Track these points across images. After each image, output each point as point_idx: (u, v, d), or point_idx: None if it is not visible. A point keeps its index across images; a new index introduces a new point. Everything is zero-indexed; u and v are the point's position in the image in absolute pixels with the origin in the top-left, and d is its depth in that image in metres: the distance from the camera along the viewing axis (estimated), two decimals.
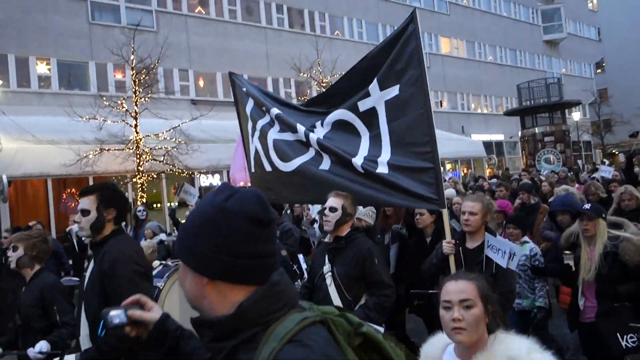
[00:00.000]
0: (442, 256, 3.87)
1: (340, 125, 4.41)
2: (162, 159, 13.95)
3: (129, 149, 13.75)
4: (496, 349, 1.91)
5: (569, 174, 13.65)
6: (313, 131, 4.51)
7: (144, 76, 14.04)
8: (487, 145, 29.19)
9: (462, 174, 24.36)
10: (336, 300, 3.61)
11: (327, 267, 3.76)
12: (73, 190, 13.89)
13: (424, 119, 3.87)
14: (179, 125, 13.98)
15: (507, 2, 35.40)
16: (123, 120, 13.62)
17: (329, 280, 3.71)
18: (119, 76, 18.40)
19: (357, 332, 1.19)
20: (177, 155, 13.98)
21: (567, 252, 4.18)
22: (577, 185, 10.28)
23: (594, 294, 3.97)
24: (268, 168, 4.84)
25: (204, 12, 21.06)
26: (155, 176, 14.11)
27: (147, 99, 14.15)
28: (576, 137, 29.17)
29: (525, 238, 5.21)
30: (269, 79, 22.49)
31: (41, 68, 16.91)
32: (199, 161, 15.12)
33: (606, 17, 44.99)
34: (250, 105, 5.11)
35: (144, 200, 13.48)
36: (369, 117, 4.19)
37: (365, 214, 5.86)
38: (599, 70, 44.83)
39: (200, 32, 20.43)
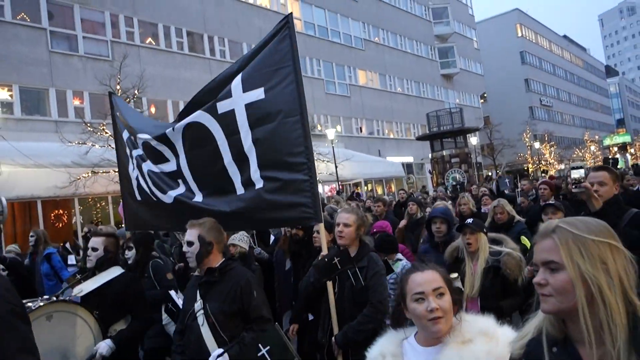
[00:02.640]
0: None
1: (194, 134, 4.04)
2: None
3: (115, 171, 14.75)
4: (465, 327, 1.90)
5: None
6: (179, 157, 4.23)
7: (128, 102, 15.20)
8: None
9: (388, 191, 27.43)
10: (210, 341, 3.15)
11: (198, 304, 3.27)
12: (60, 211, 14.54)
13: (298, 127, 3.57)
14: None
15: (411, 41, 39.97)
16: (109, 145, 14.65)
17: (200, 319, 3.22)
18: (76, 102, 19.05)
19: None
20: None
21: (454, 275, 4.08)
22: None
23: (477, 309, 3.90)
24: (153, 200, 4.53)
25: (154, 43, 22.24)
26: None
27: None
28: (474, 159, 33.71)
29: (399, 256, 5.11)
30: None
31: (3, 94, 17.20)
32: None
33: (485, 55, 51.76)
34: (126, 134, 4.80)
35: None
36: (227, 120, 3.81)
37: (240, 239, 5.47)
38: (482, 101, 51.23)
39: (151, 61, 21.58)
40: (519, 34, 59.01)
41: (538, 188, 8.01)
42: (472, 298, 3.92)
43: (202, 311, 3.23)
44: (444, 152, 29.85)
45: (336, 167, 21.85)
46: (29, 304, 3.44)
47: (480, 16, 54.37)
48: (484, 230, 4.09)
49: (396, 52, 38.07)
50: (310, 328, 4.62)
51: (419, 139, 32.45)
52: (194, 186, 4.17)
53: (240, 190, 3.85)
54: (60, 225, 14.47)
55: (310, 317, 4.66)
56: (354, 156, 23.54)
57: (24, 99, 17.62)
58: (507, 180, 15.76)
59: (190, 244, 3.29)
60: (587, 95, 79.40)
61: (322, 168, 21.10)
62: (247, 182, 3.80)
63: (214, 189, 4.03)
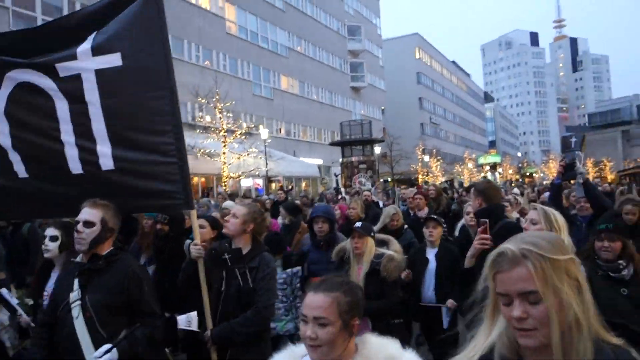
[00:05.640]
0: (190, 260, 3.44)
1: (24, 97, 3.27)
2: None
3: None
4: (370, 350, 1.77)
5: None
6: None
7: None
8: None
9: (303, 190, 30.61)
10: (84, 337, 2.79)
11: (75, 294, 2.88)
12: None
13: (166, 103, 3.17)
14: None
15: (328, 53, 43.73)
16: None
17: (76, 311, 2.84)
18: None
19: None
20: None
21: None
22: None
23: None
24: None
25: None
26: None
27: None
28: (377, 166, 38.09)
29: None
30: None
31: None
32: None
33: (387, 72, 57.00)
34: None
35: None
36: (71, 85, 3.18)
37: None
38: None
39: None
40: (417, 56, 65.27)
41: (413, 198, 8.01)
42: None
43: (78, 302, 2.86)
44: (353, 158, 33.77)
45: (267, 163, 24.53)
46: None
47: (385, 35, 59.98)
48: (372, 234, 4.17)
49: (314, 63, 41.54)
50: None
51: (333, 144, 36.08)
52: (15, 159, 3.36)
53: (76, 169, 3.27)
54: None
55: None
56: (285, 157, 26.38)
57: None
58: (389, 190, 16.25)
59: (89, 224, 2.92)
60: (467, 117, 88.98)
61: (252, 164, 23.71)
62: (89, 161, 3.24)
63: (43, 166, 3.35)
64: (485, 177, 24.29)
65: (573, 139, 5.37)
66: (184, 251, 4.69)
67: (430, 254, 4.79)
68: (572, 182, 6.11)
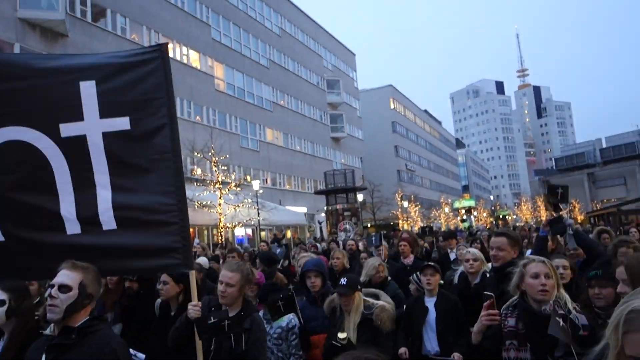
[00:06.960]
0: (186, 321, 3.29)
1: (13, 154, 3.13)
2: None
3: None
4: None
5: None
6: None
7: None
8: None
9: (293, 237, 31.66)
10: None
11: None
12: None
13: (169, 166, 3.24)
14: None
15: (309, 106, 45.94)
16: None
17: None
18: None
19: None
20: None
21: (343, 335, 3.74)
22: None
23: None
24: None
25: None
26: None
27: None
28: (360, 213, 39.51)
29: None
30: None
31: None
32: None
33: (364, 122, 59.45)
34: None
35: None
36: (74, 146, 3.13)
37: None
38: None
39: None
40: (392, 107, 68.10)
41: (398, 245, 7.62)
42: None
43: None
44: (338, 206, 35.09)
45: (258, 213, 25.67)
46: None
47: (361, 86, 62.83)
48: (358, 288, 4.14)
49: (297, 115, 43.60)
50: None
51: (317, 193, 37.47)
52: None
53: (72, 229, 3.20)
54: None
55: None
56: (278, 207, 27.59)
57: None
58: (373, 237, 16.78)
59: (65, 289, 2.54)
60: (441, 163, 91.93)
61: (245, 214, 24.79)
62: (89, 222, 3.19)
63: (25, 223, 3.19)
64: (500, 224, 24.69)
65: (559, 190, 5.39)
66: (154, 311, 4.56)
67: (429, 303, 4.70)
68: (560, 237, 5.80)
